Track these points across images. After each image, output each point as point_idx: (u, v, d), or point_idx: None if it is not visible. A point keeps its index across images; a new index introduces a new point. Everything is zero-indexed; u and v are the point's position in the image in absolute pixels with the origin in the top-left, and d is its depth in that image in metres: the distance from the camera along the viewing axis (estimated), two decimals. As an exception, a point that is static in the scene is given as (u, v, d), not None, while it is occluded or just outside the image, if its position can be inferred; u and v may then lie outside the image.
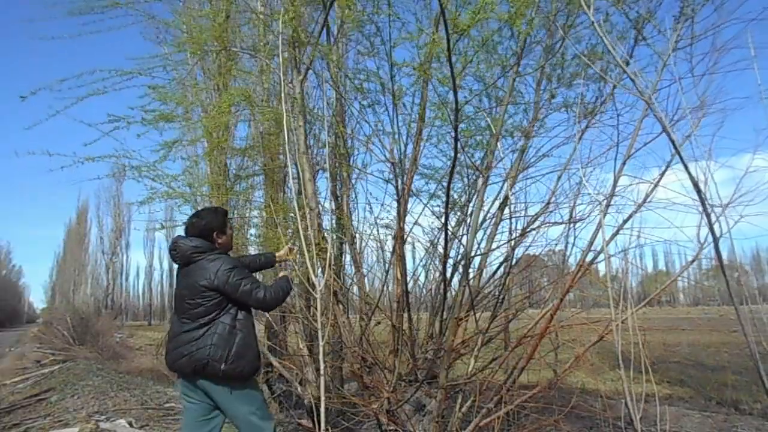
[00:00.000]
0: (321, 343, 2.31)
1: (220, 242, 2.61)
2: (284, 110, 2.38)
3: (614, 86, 2.89)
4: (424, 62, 3.24)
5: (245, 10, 3.75)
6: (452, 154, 2.73)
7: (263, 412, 2.52)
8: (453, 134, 2.51)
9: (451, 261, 3.48)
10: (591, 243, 2.80)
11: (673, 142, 1.79)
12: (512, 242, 3.34)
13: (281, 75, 2.62)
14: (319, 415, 2.38)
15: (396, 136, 3.46)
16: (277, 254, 2.99)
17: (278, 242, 3.74)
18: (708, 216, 1.75)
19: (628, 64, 2.07)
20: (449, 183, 2.81)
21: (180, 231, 2.73)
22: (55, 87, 3.94)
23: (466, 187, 3.77)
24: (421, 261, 4.05)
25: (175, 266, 2.70)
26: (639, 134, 2.63)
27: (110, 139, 4.08)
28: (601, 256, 2.63)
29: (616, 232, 2.64)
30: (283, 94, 2.50)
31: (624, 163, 2.63)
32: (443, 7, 1.94)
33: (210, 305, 2.45)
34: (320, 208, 3.69)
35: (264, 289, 2.50)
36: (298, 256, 3.05)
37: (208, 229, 2.58)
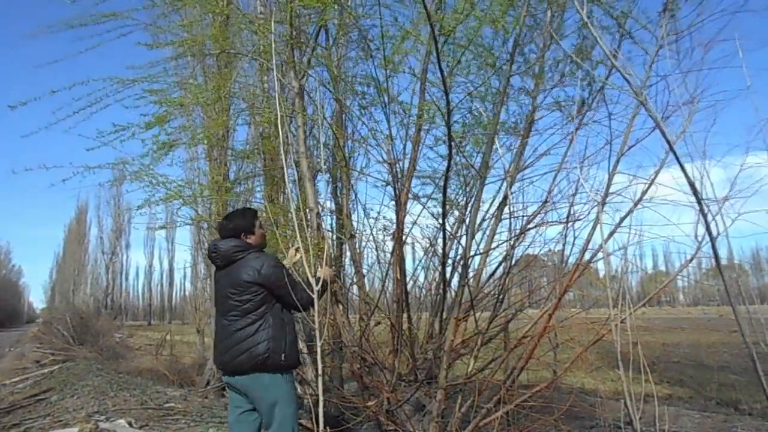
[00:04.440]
0: (319, 343, 2.32)
1: (249, 242, 2.71)
2: (278, 111, 2.38)
3: (603, 85, 2.90)
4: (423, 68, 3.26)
5: (242, 20, 3.76)
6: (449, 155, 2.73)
7: (295, 418, 2.61)
8: (447, 135, 2.52)
9: (450, 261, 3.48)
10: (588, 242, 2.80)
11: (667, 139, 1.80)
12: (511, 242, 3.34)
13: (276, 75, 2.63)
14: (318, 415, 2.38)
15: (394, 137, 3.47)
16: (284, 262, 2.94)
17: (278, 243, 3.74)
18: (704, 214, 1.76)
19: (616, 59, 2.08)
20: (445, 183, 2.82)
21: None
22: (46, 98, 3.95)
23: (464, 188, 3.78)
24: (420, 261, 4.06)
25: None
26: (633, 131, 2.64)
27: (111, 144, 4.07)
28: (600, 255, 2.63)
29: (614, 231, 2.64)
30: (277, 96, 2.51)
31: (618, 161, 2.63)
32: (428, 11, 1.96)
33: (258, 300, 2.54)
34: (320, 208, 3.70)
35: (303, 290, 2.54)
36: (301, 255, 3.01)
37: (236, 231, 2.70)
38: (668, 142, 1.79)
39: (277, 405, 2.52)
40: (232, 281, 2.58)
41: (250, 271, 2.54)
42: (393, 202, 3.48)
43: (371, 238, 3.97)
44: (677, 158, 1.74)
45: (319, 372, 2.42)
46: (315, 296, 2.40)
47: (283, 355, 2.51)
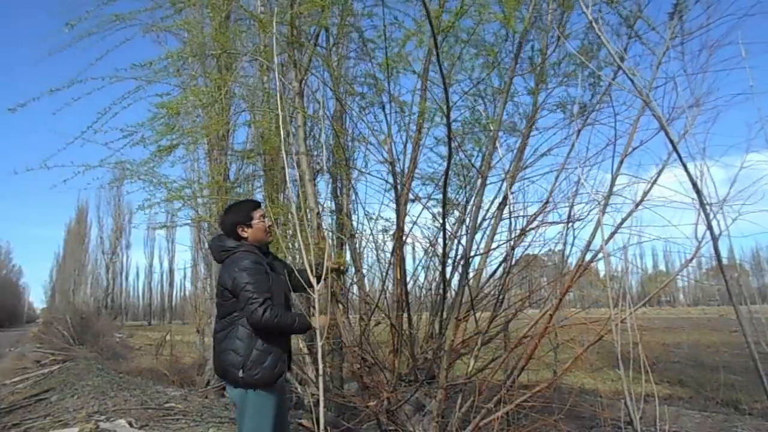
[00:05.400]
0: (320, 343, 2.31)
1: (245, 235, 2.50)
2: (279, 111, 2.38)
3: (609, 84, 2.90)
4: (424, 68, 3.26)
5: (242, 17, 3.76)
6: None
7: None
8: (447, 134, 2.51)
9: (450, 261, 3.48)
10: (589, 242, 2.81)
11: (671, 140, 1.80)
12: (511, 242, 3.34)
13: (277, 75, 2.62)
14: (318, 415, 2.37)
15: (394, 137, 3.48)
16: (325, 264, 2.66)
17: (278, 243, 3.74)
18: (706, 214, 1.76)
19: (623, 61, 2.08)
20: (445, 182, 2.81)
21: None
22: (44, 97, 3.96)
23: (464, 187, 3.78)
24: (420, 261, 4.06)
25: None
26: (637, 131, 2.63)
27: (111, 140, 4.07)
28: (600, 255, 2.63)
29: (615, 231, 2.64)
30: (279, 95, 2.50)
31: (621, 162, 2.63)
32: (427, 8, 1.96)
33: (228, 305, 2.37)
34: (320, 208, 3.70)
35: (264, 306, 2.25)
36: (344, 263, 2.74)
37: (233, 224, 2.51)
38: (672, 143, 1.79)
39: (245, 417, 2.38)
40: (216, 283, 2.48)
41: (223, 274, 2.39)
42: (393, 202, 3.48)
43: (371, 238, 3.97)
44: (681, 160, 1.74)
45: (320, 372, 2.41)
46: (317, 296, 2.37)
47: (241, 371, 2.27)
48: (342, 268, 2.74)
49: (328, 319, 2.54)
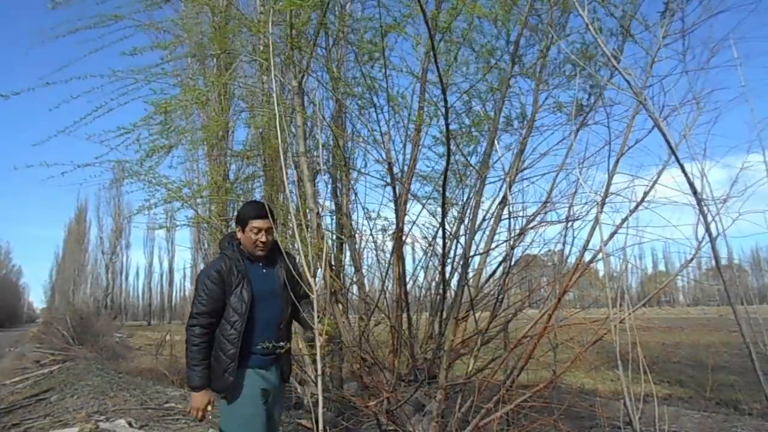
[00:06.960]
0: (319, 344, 2.31)
1: (240, 237, 2.43)
2: (277, 112, 2.38)
3: (605, 85, 2.91)
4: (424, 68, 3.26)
5: (239, 17, 3.76)
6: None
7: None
8: (445, 134, 2.52)
9: (450, 261, 3.49)
10: (588, 242, 2.81)
11: (667, 141, 1.80)
12: (511, 242, 3.34)
13: (273, 75, 2.62)
14: (318, 415, 2.37)
15: (393, 136, 3.48)
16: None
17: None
18: (704, 215, 1.76)
19: (618, 62, 2.08)
20: (444, 182, 2.82)
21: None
22: (39, 86, 3.96)
23: (463, 188, 3.78)
24: (420, 261, 4.06)
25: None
26: (633, 131, 2.64)
27: (111, 143, 4.06)
28: (599, 255, 2.63)
29: (614, 231, 2.65)
30: (275, 95, 2.50)
31: (617, 161, 2.64)
32: (422, 7, 1.95)
33: None
34: (319, 208, 3.69)
35: (193, 320, 2.28)
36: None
37: (235, 221, 2.48)
38: (669, 143, 1.80)
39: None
40: None
41: None
42: (392, 202, 3.48)
43: (371, 237, 3.97)
44: (678, 159, 1.74)
45: (319, 372, 2.41)
46: (315, 296, 2.36)
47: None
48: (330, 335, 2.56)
49: (207, 401, 2.36)
